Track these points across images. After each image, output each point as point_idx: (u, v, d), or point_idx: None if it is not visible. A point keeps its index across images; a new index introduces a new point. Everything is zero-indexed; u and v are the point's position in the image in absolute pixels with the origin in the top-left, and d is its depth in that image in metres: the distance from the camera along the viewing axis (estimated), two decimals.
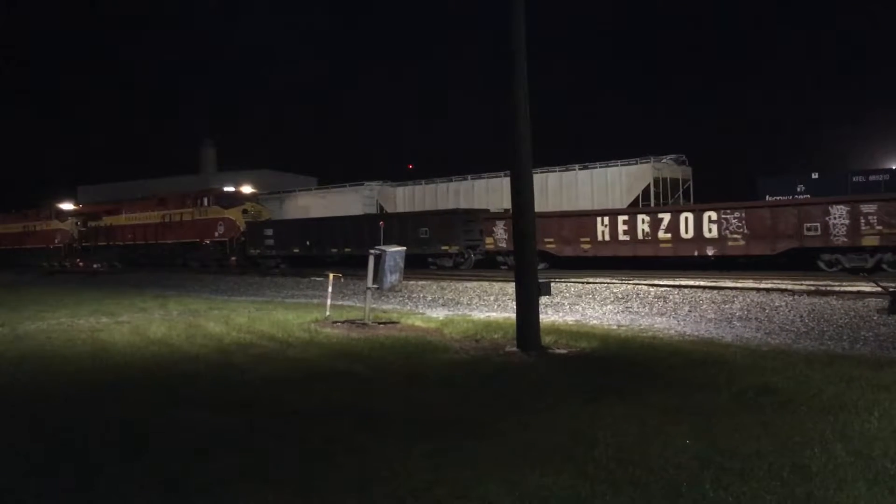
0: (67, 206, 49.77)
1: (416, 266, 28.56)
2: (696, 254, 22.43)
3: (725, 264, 22.29)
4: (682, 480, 4.76)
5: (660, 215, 23.34)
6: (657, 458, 5.21)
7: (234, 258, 36.48)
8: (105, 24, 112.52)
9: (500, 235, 26.65)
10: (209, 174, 63.61)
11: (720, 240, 21.88)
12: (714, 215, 22.02)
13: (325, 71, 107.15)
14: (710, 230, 22.08)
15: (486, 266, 28.21)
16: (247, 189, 39.63)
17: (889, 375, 7.68)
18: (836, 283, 16.66)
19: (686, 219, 22.59)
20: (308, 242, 33.82)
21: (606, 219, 24.49)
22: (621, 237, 23.99)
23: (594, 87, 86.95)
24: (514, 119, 10.25)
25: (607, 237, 24.32)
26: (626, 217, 24.16)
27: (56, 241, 48.30)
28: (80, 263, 43.26)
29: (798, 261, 21.12)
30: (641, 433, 5.82)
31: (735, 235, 21.65)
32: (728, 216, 21.75)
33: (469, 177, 37.47)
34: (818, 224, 20.16)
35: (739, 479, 4.76)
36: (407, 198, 40.04)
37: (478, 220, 28.55)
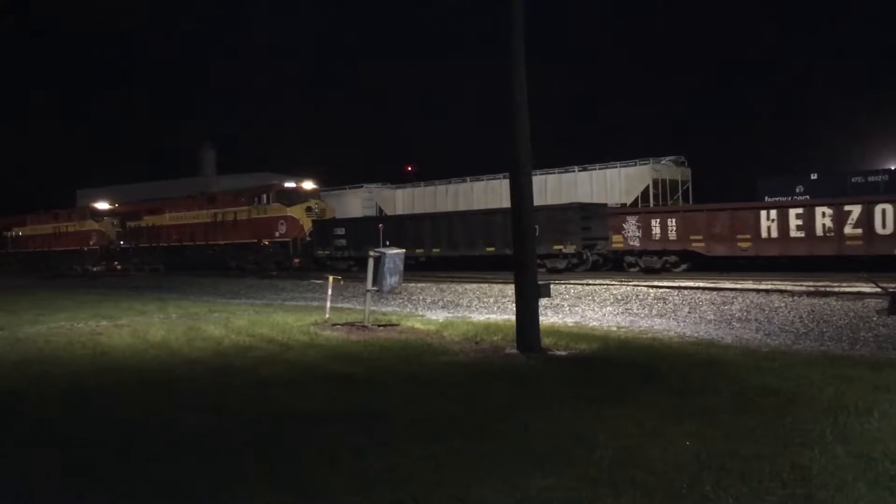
0: (103, 205, 46.51)
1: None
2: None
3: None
4: (682, 482, 4.75)
5: (846, 207, 20.10)
6: (658, 459, 5.21)
7: (297, 260, 33.34)
8: (102, 25, 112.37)
9: (633, 233, 23.74)
10: (209, 176, 63.55)
11: None
12: None
13: (322, 71, 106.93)
14: None
15: (602, 267, 25.60)
16: (308, 185, 35.91)
17: (889, 376, 7.69)
18: (836, 284, 16.66)
19: (883, 211, 19.39)
20: (388, 243, 30.64)
21: (773, 212, 21.27)
22: (793, 233, 20.75)
23: (595, 88, 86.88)
24: (513, 120, 10.26)
25: (774, 233, 21.07)
26: (799, 210, 20.90)
27: (91, 242, 45.20)
28: (118, 266, 41.07)
29: None
30: (642, 435, 5.82)
31: None
32: None
33: (468, 178, 37.48)
34: None
35: (740, 480, 4.76)
36: (406, 200, 40.06)
37: (598, 215, 25.68)
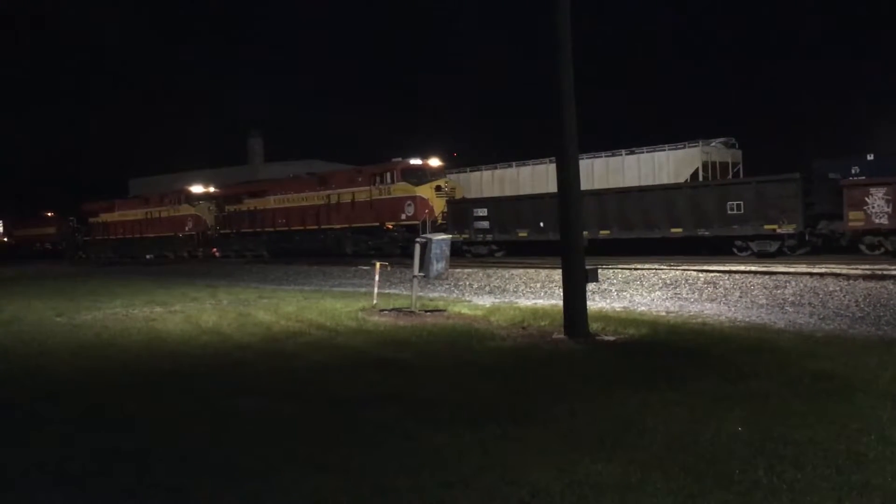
0: (198, 188, 44.50)
1: (715, 251, 23.38)
2: None
3: None
4: (734, 467, 4.70)
5: None
6: (709, 445, 5.15)
7: None
8: (150, 22, 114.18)
9: (879, 208, 19.50)
10: (257, 164, 64.41)
11: None
12: None
13: (363, 60, 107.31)
14: None
15: (820, 251, 21.78)
16: (434, 162, 32.74)
17: None
18: (893, 268, 16.23)
19: None
20: (542, 224, 27.37)
21: None
22: None
23: (643, 68, 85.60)
24: (558, 103, 10.17)
25: None
26: None
27: (188, 228, 43.21)
28: (217, 253, 40.24)
29: None
30: (692, 420, 5.76)
31: None
32: None
33: (514, 164, 37.22)
34: None
35: (794, 466, 4.68)
36: None
37: (824, 188, 21.98)
